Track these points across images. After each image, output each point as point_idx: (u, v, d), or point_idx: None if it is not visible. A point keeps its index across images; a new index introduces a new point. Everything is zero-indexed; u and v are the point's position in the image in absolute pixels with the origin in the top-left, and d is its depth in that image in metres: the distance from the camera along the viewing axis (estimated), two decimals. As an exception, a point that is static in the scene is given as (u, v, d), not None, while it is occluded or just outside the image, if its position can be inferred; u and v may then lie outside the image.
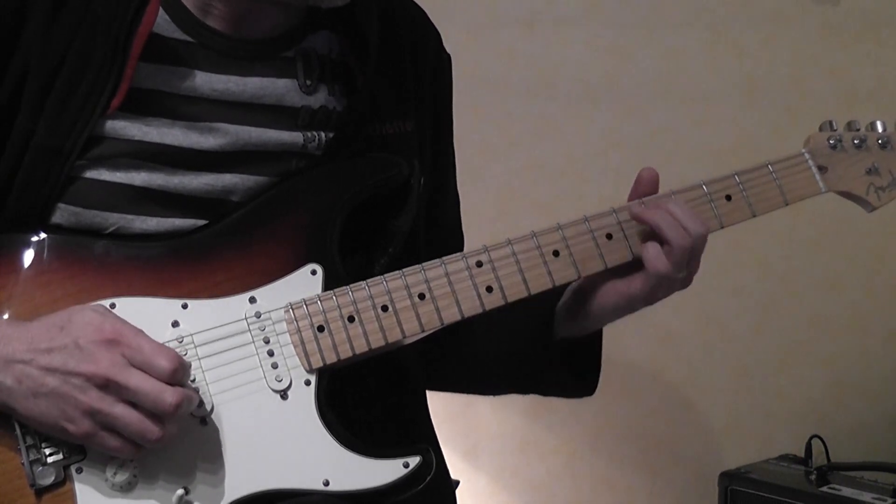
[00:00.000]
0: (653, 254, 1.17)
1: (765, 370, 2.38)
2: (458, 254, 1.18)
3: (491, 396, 2.50)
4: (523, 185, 2.40)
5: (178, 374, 1.04)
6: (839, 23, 2.30)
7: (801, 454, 2.15)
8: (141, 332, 1.05)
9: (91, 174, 1.13)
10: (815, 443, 2.14)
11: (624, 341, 2.43)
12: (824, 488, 1.96)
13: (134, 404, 1.02)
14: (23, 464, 1.06)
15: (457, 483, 1.44)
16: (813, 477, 2.02)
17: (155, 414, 1.03)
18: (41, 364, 1.03)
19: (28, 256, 1.12)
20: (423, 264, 1.17)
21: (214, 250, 1.15)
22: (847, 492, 1.93)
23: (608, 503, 2.47)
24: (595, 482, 2.47)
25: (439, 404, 2.50)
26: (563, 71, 2.39)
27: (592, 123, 2.39)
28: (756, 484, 2.00)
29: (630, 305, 1.25)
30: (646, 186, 1.21)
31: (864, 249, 2.34)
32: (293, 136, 1.20)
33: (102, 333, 1.03)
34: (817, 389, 2.36)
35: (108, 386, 1.02)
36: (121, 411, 1.02)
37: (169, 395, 1.02)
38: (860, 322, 2.35)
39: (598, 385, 2.50)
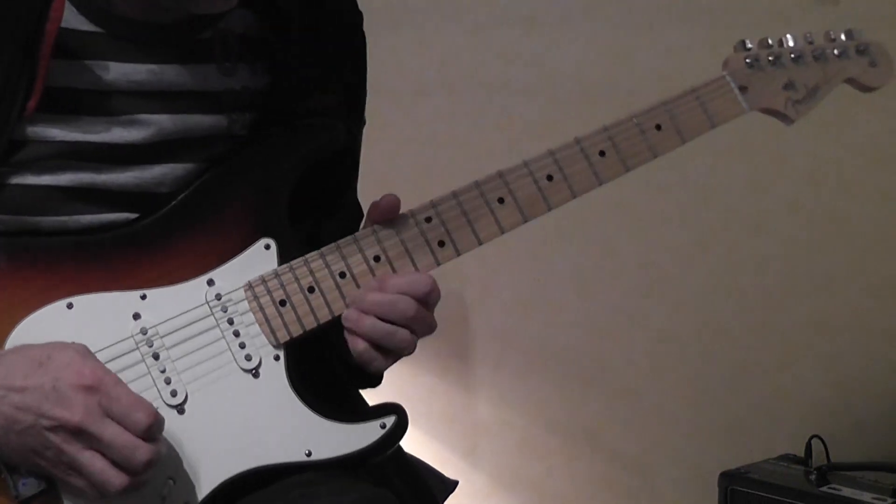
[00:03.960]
0: (366, 356, 1.14)
1: (765, 370, 2.37)
2: (407, 211, 1.18)
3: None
4: (523, 185, 2.40)
5: (154, 429, 1.02)
6: (839, 23, 2.30)
7: (801, 454, 2.15)
8: (121, 381, 1.04)
9: (16, 180, 1.11)
10: (815, 443, 2.14)
11: (624, 341, 2.44)
12: (824, 488, 1.95)
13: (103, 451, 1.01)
14: (3, 478, 1.05)
15: (456, 483, 1.43)
16: (813, 477, 2.01)
17: (122, 465, 1.01)
18: (14, 402, 1.01)
19: None
20: (374, 227, 1.17)
21: (165, 237, 1.14)
22: (847, 492, 1.93)
23: (608, 503, 2.47)
24: (595, 482, 2.47)
25: (439, 404, 2.52)
26: (563, 71, 2.39)
27: (592, 123, 2.38)
28: (756, 484, 2.00)
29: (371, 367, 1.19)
30: (382, 215, 1.17)
31: (864, 249, 2.34)
32: (217, 120, 1.19)
33: (82, 378, 1.01)
34: (817, 389, 2.36)
35: (80, 433, 1.00)
36: (87, 459, 1.01)
37: (141, 453, 1.01)
38: (860, 322, 2.34)
39: (589, 386, 2.50)
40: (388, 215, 1.17)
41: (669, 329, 2.41)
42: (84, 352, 1.04)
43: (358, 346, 1.15)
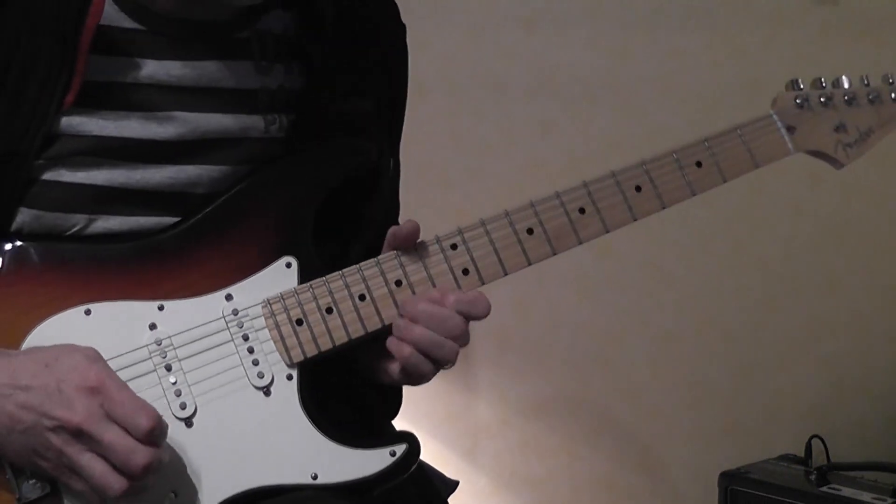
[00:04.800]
0: (413, 360, 1.13)
1: (765, 370, 2.37)
2: (433, 237, 1.17)
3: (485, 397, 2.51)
4: (523, 185, 2.40)
5: (155, 434, 1.01)
6: (839, 23, 2.30)
7: (801, 454, 2.15)
8: (125, 385, 1.04)
9: (50, 175, 1.11)
10: (815, 443, 2.14)
11: (624, 341, 2.44)
12: (824, 488, 1.95)
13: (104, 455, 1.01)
14: (8, 479, 1.05)
15: (456, 483, 1.43)
16: (813, 477, 2.02)
17: (121, 469, 1.01)
18: (19, 401, 1.01)
19: None
20: (398, 251, 1.16)
21: (187, 248, 1.14)
22: (847, 492, 1.93)
23: (608, 503, 2.47)
24: (595, 482, 2.47)
25: (439, 404, 2.52)
26: (563, 71, 2.39)
27: (592, 123, 2.39)
28: (756, 484, 2.00)
29: (404, 383, 1.20)
30: (403, 242, 1.16)
31: (864, 249, 2.34)
32: (253, 120, 1.18)
33: (86, 381, 1.01)
34: (817, 389, 2.36)
35: (80, 435, 1.00)
36: (86, 461, 1.00)
37: (140, 457, 1.00)
38: (860, 322, 2.35)
39: (589, 386, 2.51)
40: (408, 242, 1.16)
41: (669, 329, 2.41)
42: (93, 356, 1.04)
43: (404, 351, 1.13)
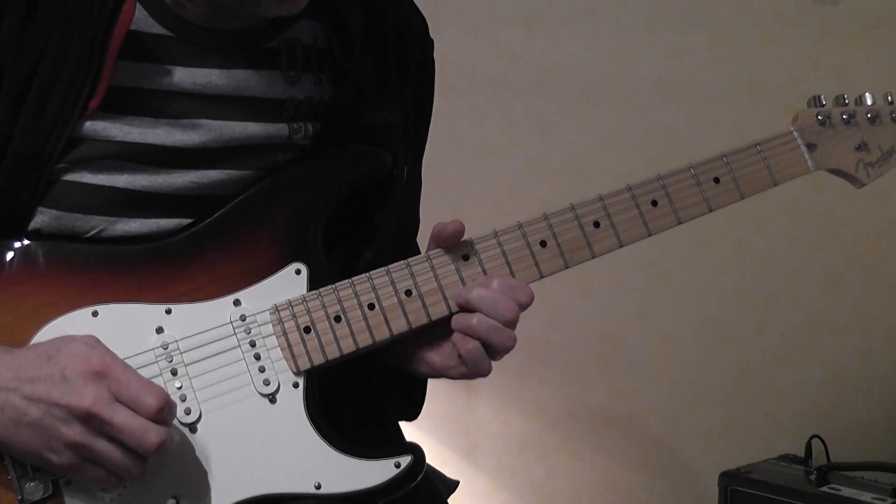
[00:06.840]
0: (475, 354, 1.14)
1: (765, 370, 2.38)
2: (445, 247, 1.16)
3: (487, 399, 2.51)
4: (523, 185, 2.40)
5: (164, 412, 1.02)
6: (839, 23, 2.31)
7: (801, 454, 2.15)
8: (129, 366, 1.04)
9: (72, 177, 1.11)
10: (815, 443, 2.14)
11: (624, 341, 2.44)
12: (824, 488, 1.95)
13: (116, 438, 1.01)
14: (10, 479, 1.05)
15: (457, 483, 1.43)
16: (813, 477, 2.02)
17: (134, 450, 1.01)
18: (25, 393, 1.01)
19: (8, 264, 1.10)
20: (409, 260, 1.15)
21: (197, 252, 1.13)
22: (847, 492, 1.93)
23: (608, 503, 2.47)
24: (595, 482, 2.47)
25: (439, 404, 2.52)
26: (563, 71, 2.39)
27: (592, 123, 2.39)
28: (756, 484, 2.00)
29: (439, 376, 1.20)
30: (448, 242, 1.16)
31: (864, 249, 2.34)
32: (278, 129, 1.18)
33: (90, 366, 1.01)
34: (817, 389, 2.36)
35: (91, 420, 1.00)
36: (104, 447, 1.01)
37: (153, 436, 1.00)
38: (860, 322, 2.35)
39: (589, 386, 2.50)
40: (453, 241, 1.15)
41: (669, 329, 2.41)
42: (92, 342, 1.04)
43: (468, 344, 1.13)
